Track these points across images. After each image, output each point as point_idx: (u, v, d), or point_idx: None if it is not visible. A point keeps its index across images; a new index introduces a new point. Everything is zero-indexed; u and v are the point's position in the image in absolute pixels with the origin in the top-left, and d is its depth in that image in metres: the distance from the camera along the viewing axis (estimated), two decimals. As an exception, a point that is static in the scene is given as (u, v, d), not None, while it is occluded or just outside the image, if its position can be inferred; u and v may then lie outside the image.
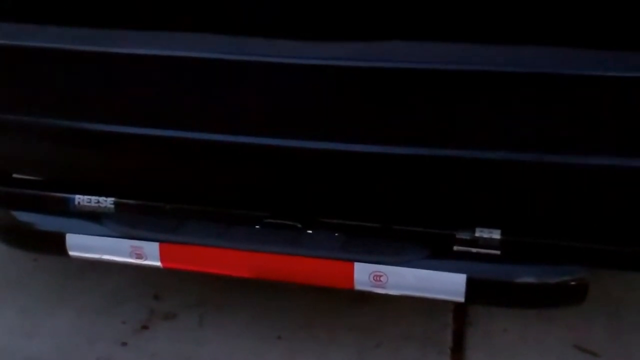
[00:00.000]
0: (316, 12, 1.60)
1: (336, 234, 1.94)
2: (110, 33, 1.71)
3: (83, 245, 2.00)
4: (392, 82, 1.62)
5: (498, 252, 1.85)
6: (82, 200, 2.13)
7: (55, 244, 2.02)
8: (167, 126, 1.79)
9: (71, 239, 2.00)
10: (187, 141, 1.79)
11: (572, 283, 1.80)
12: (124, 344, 2.23)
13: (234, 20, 1.64)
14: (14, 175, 2.30)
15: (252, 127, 1.74)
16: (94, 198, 2.12)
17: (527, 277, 1.83)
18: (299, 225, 1.97)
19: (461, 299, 1.81)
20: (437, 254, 1.86)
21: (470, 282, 1.78)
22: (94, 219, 2.04)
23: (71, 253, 2.01)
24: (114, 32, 1.71)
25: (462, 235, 1.88)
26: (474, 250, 1.87)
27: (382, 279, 1.82)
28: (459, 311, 2.30)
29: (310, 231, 1.96)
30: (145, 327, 2.29)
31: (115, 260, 1.99)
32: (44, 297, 2.42)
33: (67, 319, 2.32)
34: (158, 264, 1.96)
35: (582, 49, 1.51)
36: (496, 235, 1.87)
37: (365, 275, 1.83)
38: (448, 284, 1.79)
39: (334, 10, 1.59)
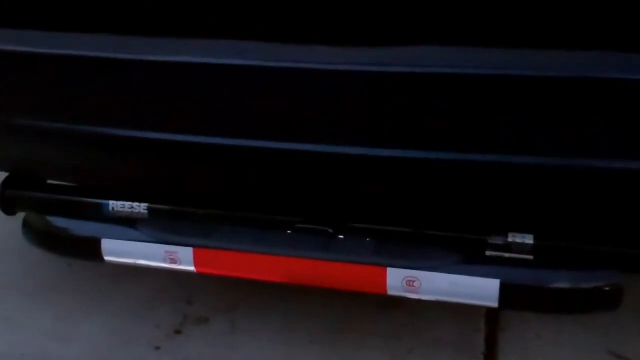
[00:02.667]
0: (341, 18, 1.61)
1: (367, 239, 1.94)
2: (145, 41, 1.74)
3: (118, 251, 2.03)
4: (422, 87, 1.62)
5: (531, 257, 1.84)
6: (116, 205, 2.16)
7: (91, 250, 2.05)
8: (200, 132, 1.80)
9: (107, 244, 2.02)
10: (220, 147, 1.80)
11: (607, 288, 1.79)
12: (158, 348, 2.25)
13: (260, 27, 1.66)
14: (49, 182, 2.34)
15: (286, 132, 1.75)
16: (127, 204, 2.15)
17: (561, 283, 1.82)
18: (330, 231, 1.97)
19: (495, 305, 1.80)
20: (470, 259, 1.85)
21: (504, 288, 1.77)
22: (128, 225, 2.07)
23: (107, 258, 2.04)
24: (148, 40, 1.73)
25: (495, 240, 1.88)
26: (506, 255, 1.86)
27: (415, 284, 1.82)
28: (491, 316, 2.29)
29: (341, 236, 1.96)
30: (178, 332, 2.31)
31: (149, 265, 2.02)
32: (79, 301, 2.45)
33: (102, 323, 2.35)
34: (192, 268, 1.98)
35: (613, 52, 1.50)
36: (529, 240, 1.86)
37: (398, 280, 1.83)
38: (482, 290, 1.79)
39: (357, 16, 1.60)
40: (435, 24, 1.56)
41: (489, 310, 2.27)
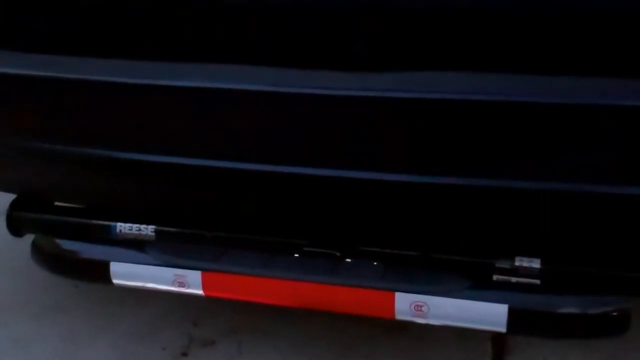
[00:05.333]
0: (354, 43, 1.63)
1: (375, 263, 1.94)
2: (153, 65, 1.75)
3: (127, 274, 2.03)
4: (428, 112, 1.63)
5: (538, 282, 1.85)
6: (123, 228, 2.17)
7: (99, 272, 2.05)
8: (208, 156, 1.82)
9: (115, 267, 2.03)
10: (228, 171, 1.82)
11: (614, 313, 1.79)
12: (164, 370, 2.26)
13: (267, 52, 1.68)
14: (56, 203, 2.35)
15: (291, 156, 1.76)
16: (135, 226, 2.15)
17: (568, 307, 1.82)
18: (338, 254, 1.98)
19: (503, 329, 1.80)
20: (478, 284, 1.85)
21: (512, 312, 1.78)
22: (136, 247, 2.07)
23: (115, 281, 2.04)
24: (156, 65, 1.75)
25: (502, 265, 1.88)
26: (513, 279, 1.86)
27: (423, 309, 1.82)
28: (497, 340, 2.29)
29: (349, 260, 1.97)
30: (184, 354, 2.31)
31: (158, 289, 2.02)
32: (86, 323, 2.45)
33: (108, 345, 2.35)
34: (200, 292, 1.98)
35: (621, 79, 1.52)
36: (536, 264, 1.86)
37: (406, 305, 1.83)
38: (490, 314, 1.79)
39: (369, 41, 1.61)
40: (440, 49, 1.58)
41: (496, 334, 2.26)
